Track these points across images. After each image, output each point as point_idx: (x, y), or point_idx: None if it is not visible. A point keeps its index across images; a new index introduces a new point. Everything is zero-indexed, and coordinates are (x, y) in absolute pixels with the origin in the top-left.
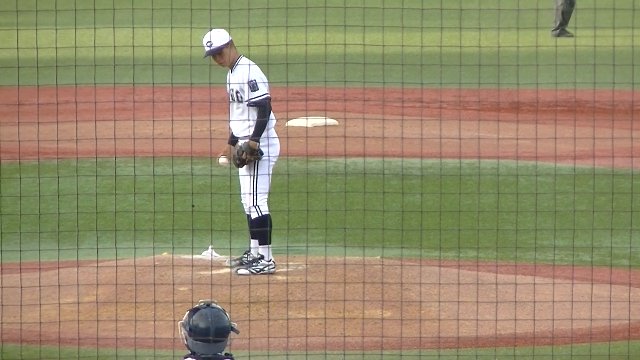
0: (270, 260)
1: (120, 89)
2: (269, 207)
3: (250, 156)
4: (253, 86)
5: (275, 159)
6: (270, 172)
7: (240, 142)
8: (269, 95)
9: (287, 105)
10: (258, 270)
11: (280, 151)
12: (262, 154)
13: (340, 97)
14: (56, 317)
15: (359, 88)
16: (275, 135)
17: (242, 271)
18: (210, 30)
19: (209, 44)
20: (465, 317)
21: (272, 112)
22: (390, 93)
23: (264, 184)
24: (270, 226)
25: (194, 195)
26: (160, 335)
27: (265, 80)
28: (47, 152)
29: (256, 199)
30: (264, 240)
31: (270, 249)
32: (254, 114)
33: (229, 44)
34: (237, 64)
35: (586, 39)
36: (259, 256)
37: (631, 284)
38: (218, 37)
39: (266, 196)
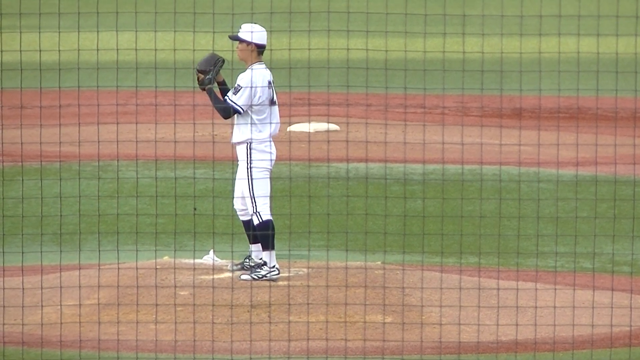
0: (273, 266)
1: (122, 93)
2: (271, 212)
3: (199, 75)
4: (236, 89)
5: (269, 165)
6: (268, 176)
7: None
8: (239, 109)
9: (290, 110)
10: (260, 276)
11: (279, 156)
12: (204, 84)
13: (342, 102)
14: (57, 319)
15: (361, 93)
16: (271, 141)
17: (244, 277)
18: (253, 23)
19: (239, 30)
20: (466, 322)
21: (277, 117)
22: (393, 98)
23: (260, 189)
24: (273, 232)
25: (195, 199)
26: (162, 339)
27: (257, 94)
28: (49, 155)
29: (256, 205)
30: (266, 245)
31: (273, 255)
32: (248, 119)
33: (251, 45)
34: (249, 68)
35: (589, 46)
36: (262, 262)
37: (632, 290)
38: (248, 30)
39: (267, 201)
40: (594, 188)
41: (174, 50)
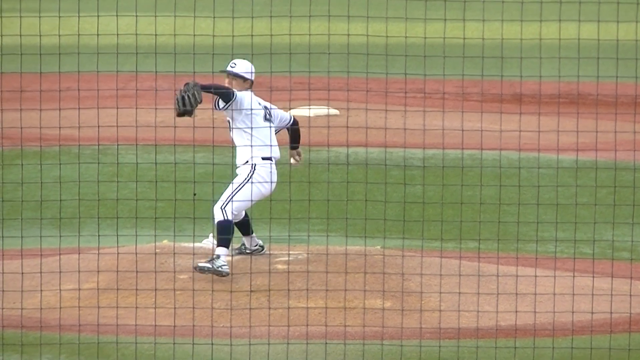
0: (225, 262)
1: (122, 77)
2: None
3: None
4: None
5: (263, 187)
6: (254, 198)
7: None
8: (235, 93)
9: (290, 94)
10: (212, 267)
11: (279, 140)
12: (187, 108)
13: (342, 87)
14: (56, 303)
15: (361, 78)
16: (268, 162)
17: (202, 264)
18: (243, 60)
19: (232, 65)
20: (465, 308)
21: (275, 141)
22: (393, 83)
23: (241, 200)
24: (232, 235)
25: (195, 183)
26: (161, 323)
27: (244, 105)
28: (49, 139)
29: (225, 204)
30: (225, 244)
31: (226, 252)
32: (240, 136)
33: (245, 80)
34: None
35: (590, 31)
36: (258, 248)
37: (632, 277)
38: (243, 67)
39: (240, 210)
40: (594, 174)
41: (174, 34)
